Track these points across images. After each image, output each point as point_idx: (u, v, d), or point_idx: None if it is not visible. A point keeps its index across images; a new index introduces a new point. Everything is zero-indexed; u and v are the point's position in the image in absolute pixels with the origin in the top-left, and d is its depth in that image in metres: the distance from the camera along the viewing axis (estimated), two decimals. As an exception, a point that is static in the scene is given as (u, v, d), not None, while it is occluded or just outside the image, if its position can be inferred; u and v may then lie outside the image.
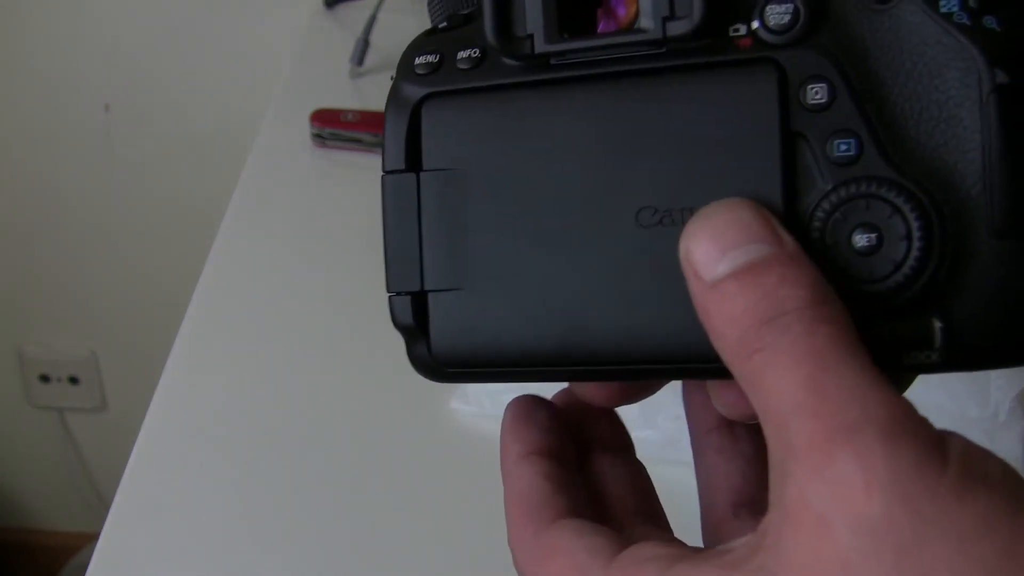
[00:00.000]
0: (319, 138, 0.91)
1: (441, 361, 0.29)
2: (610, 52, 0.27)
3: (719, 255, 0.24)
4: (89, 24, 1.21)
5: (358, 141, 0.91)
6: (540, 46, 0.27)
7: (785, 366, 0.22)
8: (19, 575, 1.59)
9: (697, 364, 0.26)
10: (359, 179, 0.89)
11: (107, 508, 0.61)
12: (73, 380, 1.45)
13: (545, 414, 0.31)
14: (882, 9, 0.25)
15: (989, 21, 0.24)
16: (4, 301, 1.41)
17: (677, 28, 0.26)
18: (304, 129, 0.91)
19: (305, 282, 0.76)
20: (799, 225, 0.25)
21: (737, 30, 0.26)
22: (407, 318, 0.29)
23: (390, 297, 0.30)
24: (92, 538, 0.60)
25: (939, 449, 0.21)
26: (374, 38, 1.00)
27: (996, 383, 0.56)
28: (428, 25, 0.30)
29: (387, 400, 0.67)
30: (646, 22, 0.26)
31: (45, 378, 1.45)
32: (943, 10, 0.24)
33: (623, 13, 0.27)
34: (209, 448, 0.64)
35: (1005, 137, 0.24)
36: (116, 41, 1.22)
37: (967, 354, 0.25)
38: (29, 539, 1.57)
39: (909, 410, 0.22)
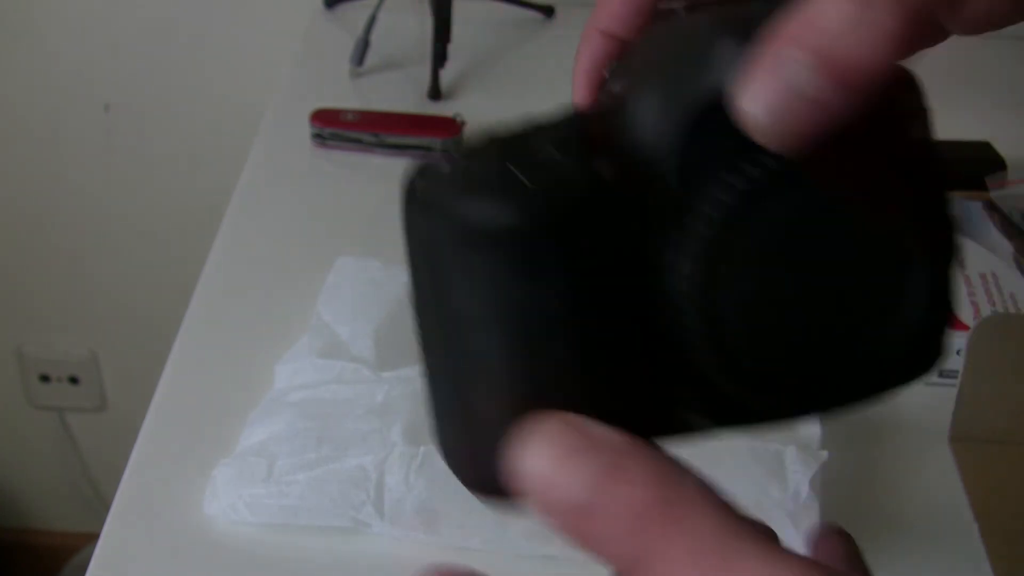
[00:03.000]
0: (319, 138, 0.91)
1: None
2: None
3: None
4: (89, 24, 1.21)
5: (358, 141, 0.91)
6: None
7: None
8: (19, 575, 1.59)
9: None
10: (359, 179, 0.89)
11: (107, 508, 0.61)
12: (73, 380, 1.45)
13: None
14: None
15: None
16: (4, 301, 1.41)
17: None
18: (304, 129, 0.91)
19: (305, 282, 0.76)
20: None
21: None
22: None
23: None
24: (92, 538, 0.60)
25: None
26: (374, 38, 1.00)
27: (792, 467, 0.58)
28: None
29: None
30: None
31: (45, 378, 1.45)
32: None
33: None
34: (209, 448, 0.64)
35: None
36: (116, 41, 1.22)
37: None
38: (29, 539, 1.57)
39: None
